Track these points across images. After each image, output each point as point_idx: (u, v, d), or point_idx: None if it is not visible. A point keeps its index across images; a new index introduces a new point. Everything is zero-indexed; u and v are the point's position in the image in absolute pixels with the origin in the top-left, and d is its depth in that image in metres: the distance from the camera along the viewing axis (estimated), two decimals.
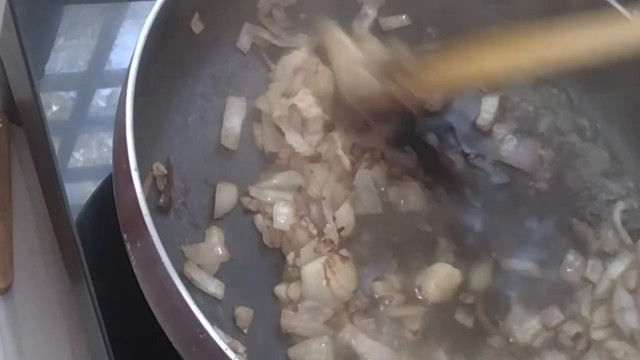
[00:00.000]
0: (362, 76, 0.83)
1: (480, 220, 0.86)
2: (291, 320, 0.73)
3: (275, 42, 0.86)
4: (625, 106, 0.92)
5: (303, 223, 0.77)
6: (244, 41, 0.86)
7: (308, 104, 0.83)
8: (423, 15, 0.94)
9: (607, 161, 0.93)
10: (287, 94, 0.83)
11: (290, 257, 0.76)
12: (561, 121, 0.95)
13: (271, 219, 0.78)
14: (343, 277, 0.75)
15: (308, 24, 0.88)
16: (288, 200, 0.79)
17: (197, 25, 0.81)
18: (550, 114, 0.95)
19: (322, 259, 0.75)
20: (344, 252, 0.76)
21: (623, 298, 0.83)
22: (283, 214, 0.77)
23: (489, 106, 0.93)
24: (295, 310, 0.74)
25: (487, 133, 0.92)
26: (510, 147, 0.91)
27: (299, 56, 0.86)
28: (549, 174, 0.91)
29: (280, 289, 0.75)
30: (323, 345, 0.72)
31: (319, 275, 0.74)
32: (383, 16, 0.94)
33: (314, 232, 0.77)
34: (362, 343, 0.74)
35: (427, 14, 0.94)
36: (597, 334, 0.82)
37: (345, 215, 0.79)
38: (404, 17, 0.94)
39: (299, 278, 0.75)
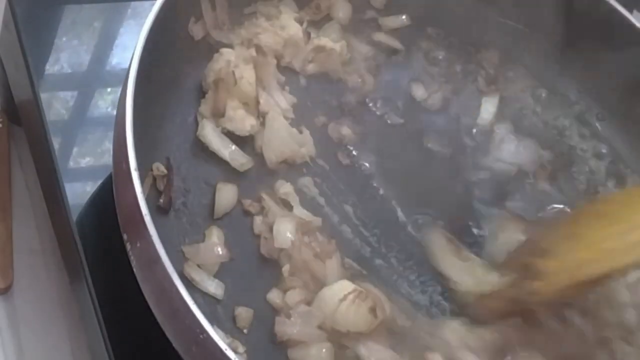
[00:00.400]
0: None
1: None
2: (285, 328, 0.72)
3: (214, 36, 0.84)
4: (625, 104, 0.93)
5: (306, 239, 0.76)
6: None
7: (240, 120, 0.80)
8: (423, 15, 0.94)
9: (608, 161, 0.93)
10: (215, 114, 0.80)
11: (285, 269, 0.75)
12: (561, 121, 0.95)
13: (271, 229, 0.76)
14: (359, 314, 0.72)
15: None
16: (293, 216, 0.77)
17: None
18: (550, 114, 0.95)
19: (351, 288, 0.72)
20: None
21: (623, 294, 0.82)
22: (286, 231, 0.76)
23: (489, 106, 0.93)
24: (289, 316, 0.72)
25: (487, 133, 0.92)
26: (510, 147, 0.91)
27: (219, 64, 0.82)
28: (549, 173, 0.91)
29: (274, 295, 0.74)
30: (323, 349, 0.72)
31: (338, 300, 0.72)
32: (383, 16, 0.94)
33: (318, 250, 0.76)
34: (363, 345, 0.73)
35: (427, 14, 0.94)
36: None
37: None
38: (404, 17, 0.94)
39: (294, 287, 0.74)
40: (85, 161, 0.83)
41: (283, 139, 0.81)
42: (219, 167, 0.80)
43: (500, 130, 0.92)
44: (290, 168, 0.82)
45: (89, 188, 0.81)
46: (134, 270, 0.66)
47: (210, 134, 0.79)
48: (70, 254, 0.78)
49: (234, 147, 0.80)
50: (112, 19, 0.93)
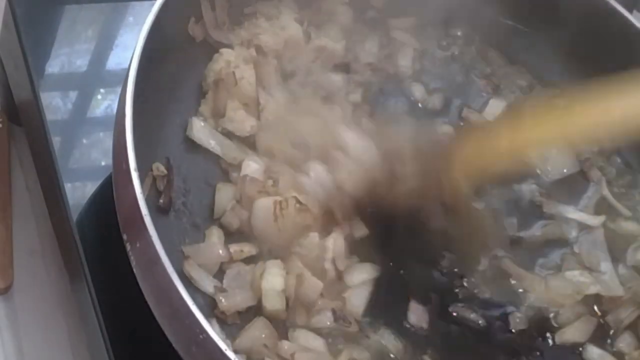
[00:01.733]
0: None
1: None
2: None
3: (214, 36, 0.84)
4: None
5: None
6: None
7: (240, 121, 0.80)
8: (423, 15, 0.94)
9: (616, 162, 0.93)
10: (215, 114, 0.81)
11: None
12: None
13: None
14: None
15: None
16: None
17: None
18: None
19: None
20: None
21: None
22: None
23: (494, 108, 0.93)
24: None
25: None
26: None
27: (219, 64, 0.82)
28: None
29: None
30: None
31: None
32: (383, 16, 0.94)
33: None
34: None
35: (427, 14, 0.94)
36: None
37: None
38: (404, 17, 0.94)
39: None
40: (85, 161, 0.83)
41: (283, 138, 0.81)
42: (219, 167, 0.80)
43: None
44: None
45: (89, 188, 0.81)
46: (134, 270, 0.66)
47: (200, 132, 0.79)
48: (70, 254, 0.78)
49: (226, 141, 0.80)
50: (112, 19, 0.93)
